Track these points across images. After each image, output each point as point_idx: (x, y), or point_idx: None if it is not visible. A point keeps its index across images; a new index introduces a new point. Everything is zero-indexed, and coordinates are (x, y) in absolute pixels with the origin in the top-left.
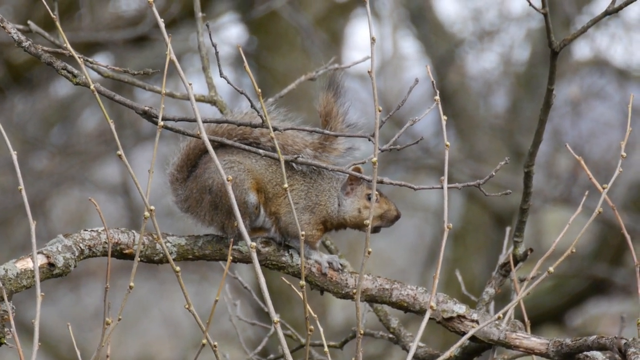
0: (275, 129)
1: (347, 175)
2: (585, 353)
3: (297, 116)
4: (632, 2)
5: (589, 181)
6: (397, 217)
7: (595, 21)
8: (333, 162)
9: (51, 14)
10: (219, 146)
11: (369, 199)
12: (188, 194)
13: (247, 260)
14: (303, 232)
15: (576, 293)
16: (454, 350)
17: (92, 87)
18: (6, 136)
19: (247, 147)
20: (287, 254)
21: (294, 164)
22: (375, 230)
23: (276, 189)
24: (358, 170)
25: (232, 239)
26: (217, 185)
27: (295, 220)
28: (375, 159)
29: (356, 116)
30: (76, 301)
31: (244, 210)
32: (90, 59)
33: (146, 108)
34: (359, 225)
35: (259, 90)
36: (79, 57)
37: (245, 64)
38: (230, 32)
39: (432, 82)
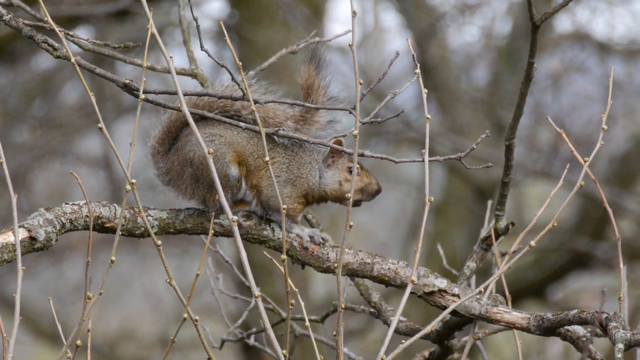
0: (256, 102)
1: (329, 147)
2: (566, 327)
3: (278, 89)
4: None
5: (570, 154)
6: (378, 191)
7: None
8: (314, 134)
9: None
10: (199, 119)
11: (350, 172)
12: (169, 166)
13: (229, 234)
14: (285, 206)
15: (557, 267)
16: (435, 324)
17: (72, 60)
18: None
19: (228, 120)
20: (268, 228)
21: (275, 137)
22: (356, 204)
23: (257, 161)
24: (339, 142)
25: (213, 213)
26: (198, 158)
27: (276, 193)
28: (356, 132)
29: (337, 89)
30: (57, 275)
31: (225, 184)
32: (71, 33)
33: (127, 81)
34: (340, 199)
35: (240, 63)
36: (60, 31)
37: (227, 37)
38: (212, 6)
39: (413, 55)
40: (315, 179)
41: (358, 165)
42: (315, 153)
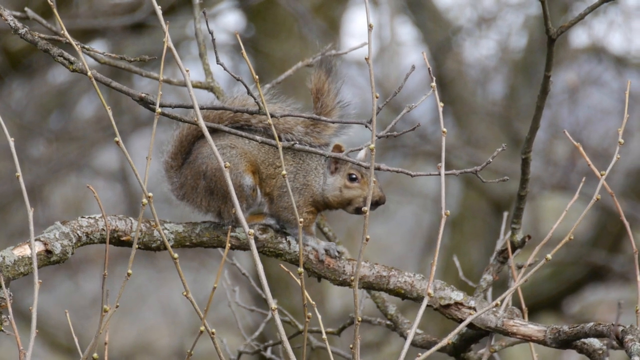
0: (272, 116)
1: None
2: (582, 340)
3: (287, 98)
4: None
5: (587, 168)
6: (378, 200)
7: (593, 8)
8: (326, 140)
9: (48, 0)
10: (212, 132)
11: (350, 179)
12: (183, 181)
13: (245, 247)
14: (301, 219)
15: (574, 280)
16: (451, 337)
17: (89, 73)
18: (4, 123)
19: (244, 133)
20: (284, 241)
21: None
22: (358, 211)
23: (268, 169)
24: (339, 148)
25: (230, 226)
26: (211, 169)
27: (286, 205)
28: (372, 145)
29: (349, 95)
30: (74, 288)
31: (240, 194)
32: (87, 46)
33: (143, 95)
34: (343, 205)
35: (257, 76)
36: (76, 44)
37: (243, 50)
38: (228, 19)
39: (429, 69)
40: (319, 184)
41: (359, 173)
42: (323, 158)
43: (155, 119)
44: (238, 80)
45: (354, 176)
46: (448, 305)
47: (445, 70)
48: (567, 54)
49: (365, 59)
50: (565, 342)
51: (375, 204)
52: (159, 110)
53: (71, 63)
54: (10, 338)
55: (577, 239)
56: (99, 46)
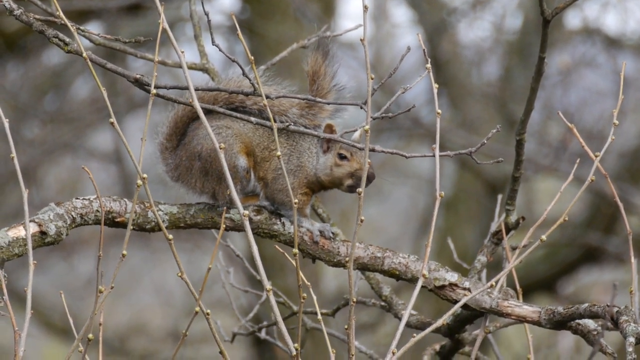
0: (267, 97)
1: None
2: (577, 321)
3: (282, 80)
4: None
5: (580, 149)
6: (369, 176)
7: None
8: (321, 123)
9: None
10: (207, 113)
11: (341, 157)
12: (178, 162)
13: (239, 228)
14: (296, 201)
15: (568, 261)
16: (446, 318)
17: (84, 55)
18: None
19: (238, 115)
20: (279, 222)
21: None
22: (350, 189)
23: (263, 152)
24: (330, 127)
25: (224, 207)
26: (207, 150)
27: (281, 187)
28: (367, 127)
29: (345, 78)
30: (68, 269)
31: (234, 175)
32: (82, 27)
33: (138, 76)
34: (335, 183)
35: (252, 57)
36: (71, 25)
37: (239, 31)
38: (223, 1)
39: (424, 50)
40: (313, 165)
41: (348, 152)
42: (316, 138)
43: (150, 100)
44: (233, 61)
45: (343, 155)
46: (442, 286)
47: (440, 51)
48: (562, 35)
49: (361, 40)
50: (560, 323)
51: (366, 179)
52: (153, 91)
53: (66, 44)
54: (5, 319)
55: (571, 221)
56: (94, 27)
